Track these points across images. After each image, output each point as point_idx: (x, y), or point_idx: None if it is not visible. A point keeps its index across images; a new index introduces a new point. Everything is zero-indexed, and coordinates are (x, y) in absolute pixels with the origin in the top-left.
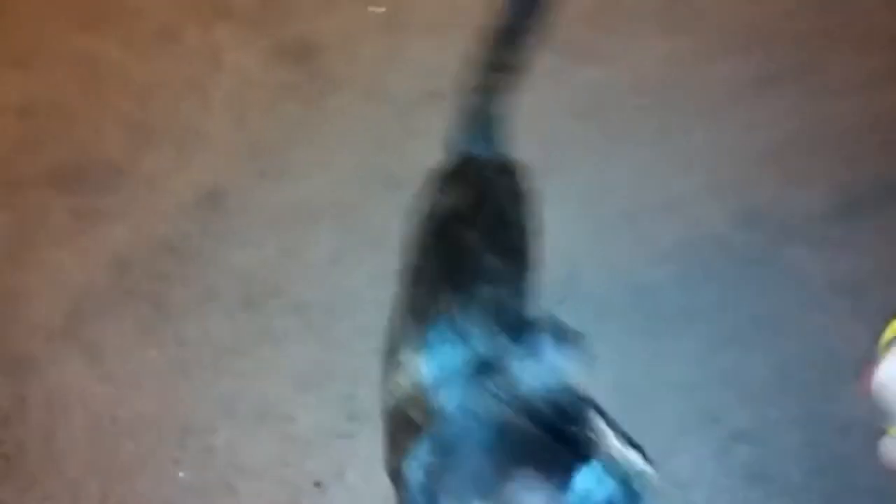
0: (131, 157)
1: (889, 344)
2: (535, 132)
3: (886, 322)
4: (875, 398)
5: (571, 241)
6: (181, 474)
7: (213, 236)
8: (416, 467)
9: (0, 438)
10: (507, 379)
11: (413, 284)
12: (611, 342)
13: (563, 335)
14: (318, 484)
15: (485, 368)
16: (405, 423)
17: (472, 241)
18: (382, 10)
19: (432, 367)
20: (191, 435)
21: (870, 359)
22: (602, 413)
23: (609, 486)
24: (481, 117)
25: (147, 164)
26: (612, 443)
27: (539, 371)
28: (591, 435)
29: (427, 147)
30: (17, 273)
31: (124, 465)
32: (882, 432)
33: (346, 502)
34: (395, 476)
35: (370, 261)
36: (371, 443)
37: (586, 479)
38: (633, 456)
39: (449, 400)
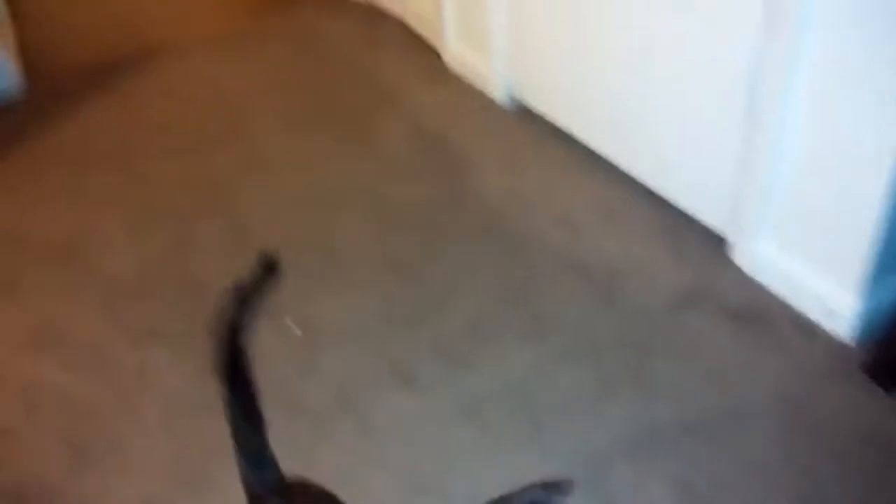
0: (68, 476)
1: None
2: (417, 436)
3: None
4: None
5: None
6: None
7: None
8: None
9: None
10: None
11: None
12: None
13: None
14: None
15: None
16: None
17: None
18: (300, 333)
19: None
20: None
21: None
22: None
23: None
24: (251, 448)
25: (82, 482)
26: None
27: None
28: None
29: (335, 453)
30: None
31: None
32: None
33: None
34: None
35: None
36: None
37: None
38: None
39: None
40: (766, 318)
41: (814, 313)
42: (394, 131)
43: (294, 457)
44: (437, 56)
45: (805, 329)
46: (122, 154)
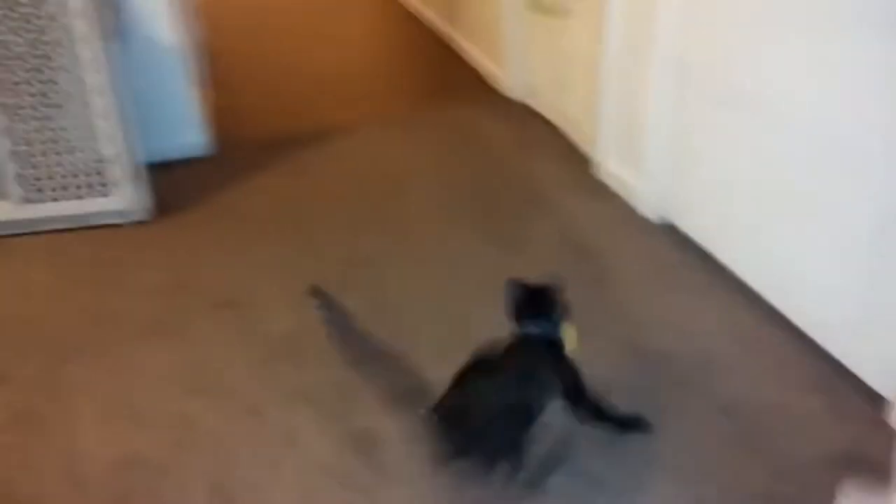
0: None
1: None
2: None
3: None
4: None
5: None
6: None
7: None
8: None
9: None
10: None
11: None
12: None
13: None
14: None
15: None
16: None
17: None
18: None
19: None
20: None
21: None
22: None
23: None
24: None
25: None
26: None
27: None
28: None
29: None
30: None
31: None
32: None
33: None
34: None
35: None
36: None
37: None
38: None
39: None
40: None
41: None
42: (540, 234)
43: None
44: (588, 163)
45: None
46: (290, 220)
